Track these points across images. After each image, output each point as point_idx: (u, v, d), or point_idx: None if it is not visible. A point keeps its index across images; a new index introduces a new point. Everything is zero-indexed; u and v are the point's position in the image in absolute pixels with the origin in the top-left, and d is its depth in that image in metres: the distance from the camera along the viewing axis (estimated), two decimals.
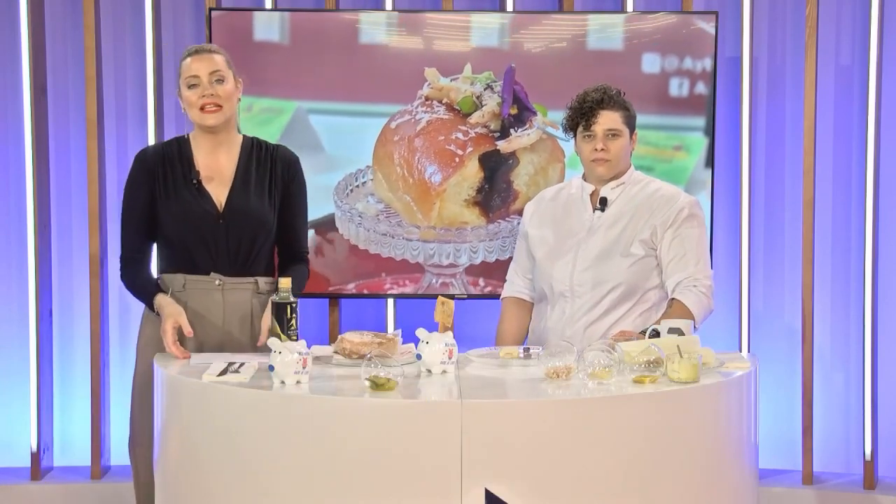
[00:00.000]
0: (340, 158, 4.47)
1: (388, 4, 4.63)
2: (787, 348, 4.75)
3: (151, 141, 4.62)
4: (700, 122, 4.50)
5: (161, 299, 3.46)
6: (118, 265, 3.58)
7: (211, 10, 4.47)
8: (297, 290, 3.58)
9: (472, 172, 4.45)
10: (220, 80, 3.49)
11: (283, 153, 3.63)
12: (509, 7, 4.61)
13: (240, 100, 3.60)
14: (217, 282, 3.53)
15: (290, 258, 3.66)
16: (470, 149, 4.45)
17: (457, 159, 4.44)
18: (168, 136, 4.70)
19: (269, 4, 4.60)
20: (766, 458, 4.51)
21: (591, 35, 4.48)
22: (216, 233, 3.51)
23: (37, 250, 4.60)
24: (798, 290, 4.67)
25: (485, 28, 4.49)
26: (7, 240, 4.73)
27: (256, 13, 4.49)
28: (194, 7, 4.75)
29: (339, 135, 4.51)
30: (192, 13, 4.75)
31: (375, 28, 4.48)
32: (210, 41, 4.44)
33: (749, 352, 4.59)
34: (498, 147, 4.44)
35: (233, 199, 3.52)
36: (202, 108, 3.48)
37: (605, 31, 4.48)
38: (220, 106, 3.49)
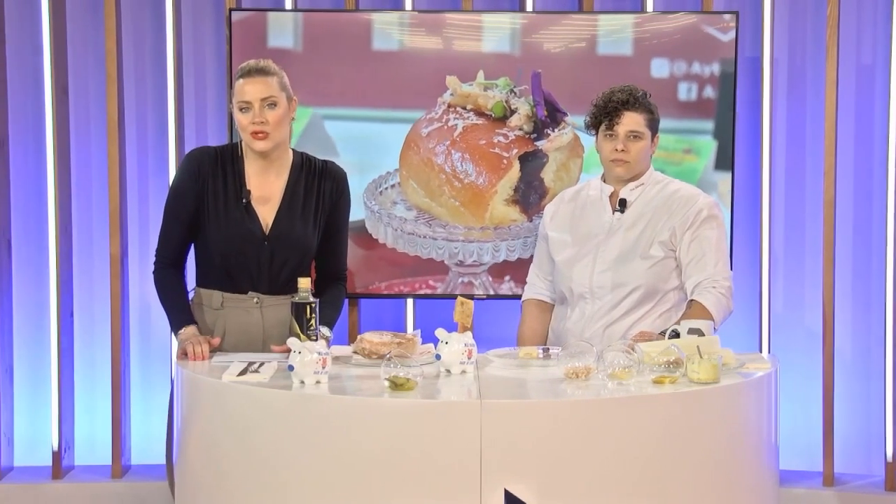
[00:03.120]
0: (356, 164, 4.47)
1: (408, 4, 4.64)
2: (807, 349, 4.73)
3: (172, 143, 4.63)
4: (709, 125, 4.50)
5: (187, 332, 3.46)
6: (149, 260, 3.59)
7: (231, 10, 4.48)
8: (336, 312, 3.62)
9: (514, 173, 4.49)
10: (272, 106, 3.46)
11: (331, 171, 3.64)
12: (529, 7, 4.62)
13: (294, 119, 3.58)
14: (255, 300, 3.54)
15: (328, 277, 3.68)
16: (514, 150, 4.49)
17: (504, 161, 4.48)
18: (188, 138, 4.73)
19: (288, 5, 4.61)
20: (787, 460, 4.49)
21: (606, 38, 4.48)
22: (259, 254, 3.52)
23: (58, 252, 4.62)
24: (819, 291, 4.65)
25: (500, 30, 4.50)
26: (28, 241, 4.75)
27: (273, 18, 4.48)
28: (214, 8, 4.76)
29: (354, 141, 4.52)
30: (212, 14, 4.76)
31: (391, 29, 4.49)
32: (230, 43, 4.45)
33: (769, 352, 4.57)
34: (539, 147, 4.47)
35: (279, 222, 3.54)
36: (252, 134, 3.47)
37: (623, 31, 4.47)
38: (270, 132, 3.47)
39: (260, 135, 3.47)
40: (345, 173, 3.68)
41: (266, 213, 3.54)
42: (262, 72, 3.48)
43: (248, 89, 3.46)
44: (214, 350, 3.43)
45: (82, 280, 4.79)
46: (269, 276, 3.54)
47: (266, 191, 3.56)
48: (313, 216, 3.58)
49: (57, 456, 4.64)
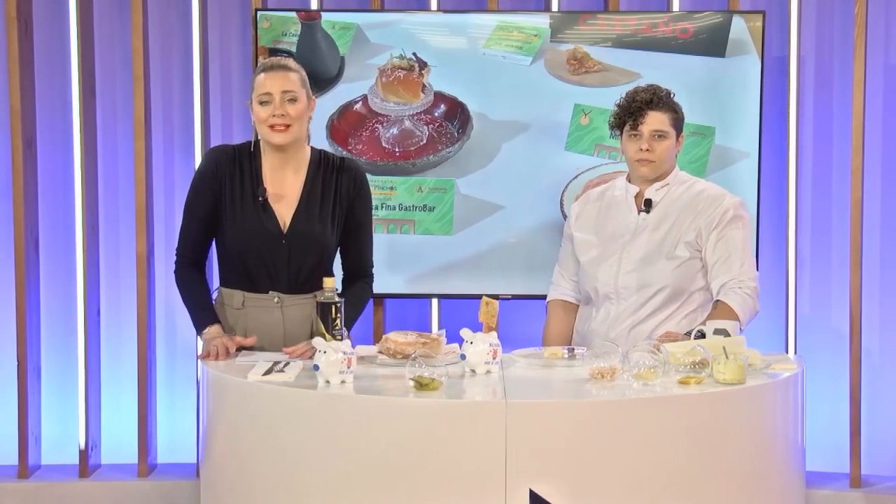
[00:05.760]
0: None
1: (433, 4, 4.65)
2: (834, 350, 4.71)
3: (198, 142, 4.65)
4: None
5: (211, 332, 3.47)
6: (174, 259, 3.60)
7: (257, 10, 4.50)
8: (356, 312, 3.58)
9: None
10: (293, 100, 3.46)
11: (349, 166, 3.62)
12: (554, 6, 4.62)
13: (311, 118, 3.57)
14: (276, 299, 3.54)
15: (354, 275, 3.66)
16: None
17: None
18: (214, 137, 4.75)
19: (314, 5, 4.62)
20: (814, 461, 4.47)
21: (630, 38, 4.49)
22: (278, 253, 3.51)
23: (85, 250, 4.64)
24: (846, 291, 4.63)
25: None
26: (56, 240, 4.78)
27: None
28: (240, 8, 4.77)
29: None
30: (238, 14, 4.78)
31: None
32: (256, 43, 4.46)
33: (796, 353, 4.55)
34: None
35: (297, 221, 3.52)
36: (271, 127, 3.47)
37: (646, 31, 4.49)
38: (290, 125, 3.47)
39: (279, 127, 3.46)
40: (363, 172, 3.66)
41: (284, 212, 3.53)
42: (283, 67, 3.48)
43: (270, 83, 3.46)
44: (241, 349, 3.44)
45: (109, 278, 4.82)
46: (288, 276, 3.53)
47: (283, 188, 3.55)
48: (331, 214, 3.57)
49: (84, 454, 4.67)
